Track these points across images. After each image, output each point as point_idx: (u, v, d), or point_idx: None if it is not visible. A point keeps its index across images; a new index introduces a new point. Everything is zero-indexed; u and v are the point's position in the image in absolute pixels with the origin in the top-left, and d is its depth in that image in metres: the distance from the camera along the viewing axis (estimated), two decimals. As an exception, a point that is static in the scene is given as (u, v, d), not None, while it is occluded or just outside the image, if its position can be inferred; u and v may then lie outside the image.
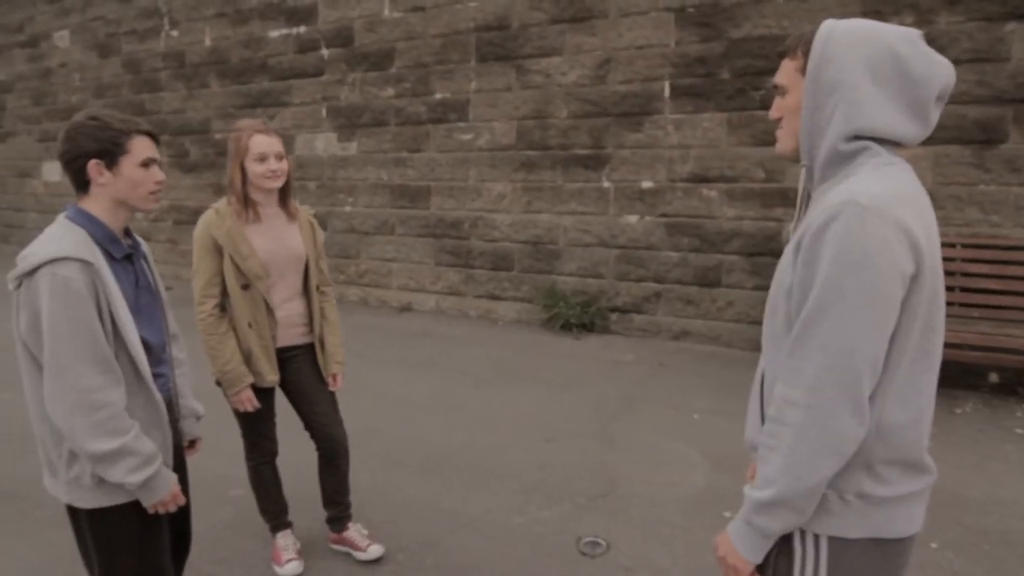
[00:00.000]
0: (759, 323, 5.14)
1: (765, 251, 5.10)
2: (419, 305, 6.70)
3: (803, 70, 1.17)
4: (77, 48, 9.63)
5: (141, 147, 1.66)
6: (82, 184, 1.63)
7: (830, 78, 1.12)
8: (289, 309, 2.51)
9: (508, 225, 6.14)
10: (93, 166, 1.60)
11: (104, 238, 1.63)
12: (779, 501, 1.11)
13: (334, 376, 2.62)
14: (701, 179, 5.29)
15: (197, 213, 8.38)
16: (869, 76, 1.11)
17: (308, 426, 2.64)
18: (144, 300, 1.74)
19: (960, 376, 4.33)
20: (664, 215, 5.45)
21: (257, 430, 2.60)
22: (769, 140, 5.01)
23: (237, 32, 7.75)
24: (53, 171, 10.41)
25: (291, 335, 2.53)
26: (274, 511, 2.71)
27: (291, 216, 2.51)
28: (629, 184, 5.56)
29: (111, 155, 1.62)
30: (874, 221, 1.03)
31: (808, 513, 1.12)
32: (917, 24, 4.49)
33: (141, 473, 1.59)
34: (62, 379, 1.50)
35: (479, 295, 6.37)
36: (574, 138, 5.74)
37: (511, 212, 6.12)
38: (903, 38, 1.11)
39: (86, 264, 1.53)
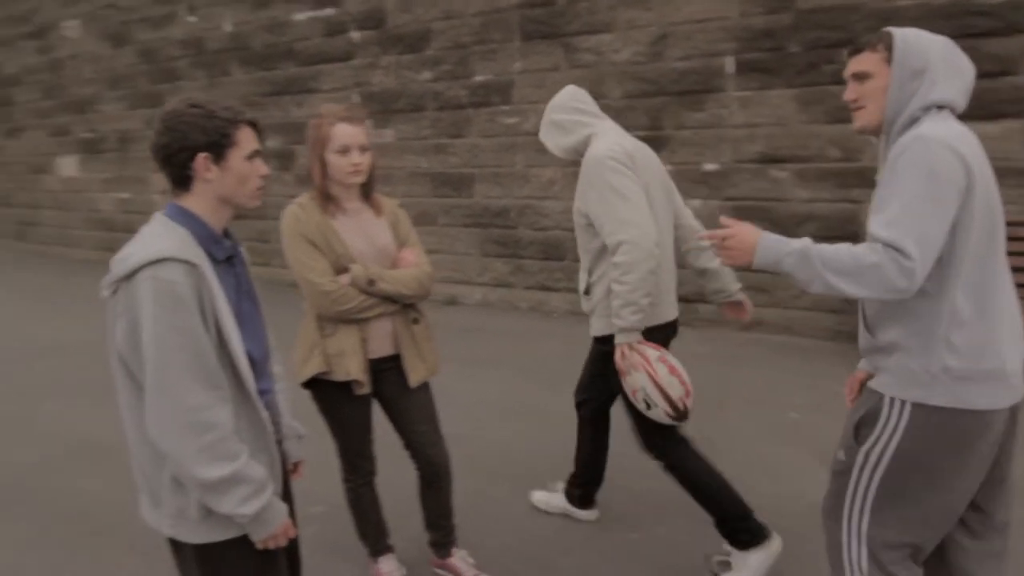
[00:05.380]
0: (837, 312, 4.91)
1: (842, 234, 4.83)
2: (465, 298, 6.46)
3: (888, 60, 1.54)
4: (89, 38, 9.31)
5: (247, 138, 1.47)
6: (183, 180, 1.44)
7: (916, 64, 1.51)
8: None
9: (559, 213, 5.88)
10: (201, 161, 1.41)
11: (206, 238, 1.44)
12: (810, 263, 1.48)
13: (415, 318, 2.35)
14: (770, 159, 5.01)
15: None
16: (943, 64, 1.52)
17: (407, 445, 2.42)
18: (246, 308, 1.54)
19: None
20: (730, 198, 5.19)
21: (355, 449, 2.39)
22: (845, 117, 4.73)
23: (259, 16, 7.43)
24: (68, 166, 10.13)
25: (385, 345, 2.30)
26: (374, 535, 2.52)
27: (377, 210, 2.29)
28: (691, 166, 5.29)
29: (219, 147, 1.42)
30: (936, 147, 1.41)
31: (797, 276, 1.52)
32: None
33: (253, 503, 1.39)
34: (167, 397, 1.32)
35: (529, 286, 6.13)
36: (630, 119, 5.46)
37: (562, 199, 5.85)
38: (948, 42, 1.55)
39: (191, 266, 1.35)
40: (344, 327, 2.19)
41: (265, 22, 7.40)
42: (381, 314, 2.22)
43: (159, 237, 1.37)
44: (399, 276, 2.21)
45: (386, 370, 2.31)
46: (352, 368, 2.19)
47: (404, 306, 2.29)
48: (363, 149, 2.14)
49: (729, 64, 5.05)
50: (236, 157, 1.44)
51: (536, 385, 4.34)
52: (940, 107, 1.51)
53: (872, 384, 1.59)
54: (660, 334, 2.39)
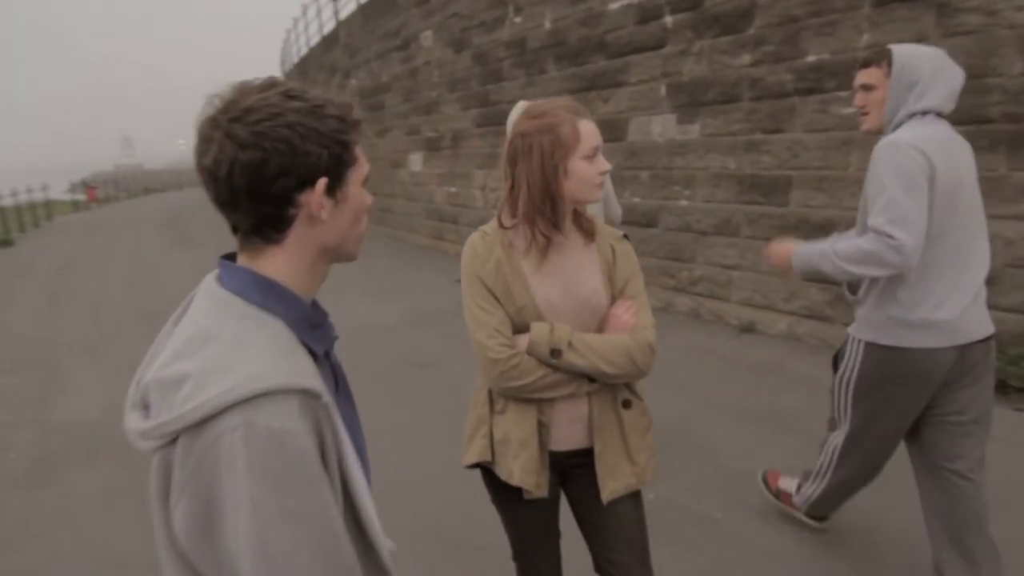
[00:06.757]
0: None
1: None
2: (765, 327, 5.38)
3: (888, 74, 2.00)
4: (438, 46, 10.26)
5: (360, 151, 0.93)
6: (276, 224, 0.87)
7: (910, 79, 1.96)
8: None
9: (905, 230, 4.46)
10: (319, 192, 0.86)
11: (304, 324, 0.90)
12: (830, 259, 2.03)
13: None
14: None
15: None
16: (933, 77, 1.95)
17: (598, 569, 1.76)
18: (346, 412, 0.99)
19: None
20: None
21: (529, 558, 1.81)
22: None
23: (576, 10, 7.20)
24: (416, 161, 11.41)
25: (575, 435, 1.64)
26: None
27: (587, 236, 1.63)
28: None
29: (340, 167, 0.88)
30: (903, 147, 1.88)
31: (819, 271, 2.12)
32: None
33: None
34: None
35: (850, 322, 4.80)
36: (1034, 103, 3.83)
37: (912, 212, 4.42)
38: (940, 54, 2.00)
39: (310, 397, 0.81)
40: (517, 405, 1.60)
41: (581, 15, 7.15)
42: (572, 394, 1.60)
43: (242, 345, 0.81)
44: (600, 345, 1.54)
45: (577, 467, 1.68)
46: (516, 467, 1.59)
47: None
48: None
49: None
50: (355, 182, 0.92)
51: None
52: (925, 112, 1.96)
53: (848, 329, 2.20)
54: None
